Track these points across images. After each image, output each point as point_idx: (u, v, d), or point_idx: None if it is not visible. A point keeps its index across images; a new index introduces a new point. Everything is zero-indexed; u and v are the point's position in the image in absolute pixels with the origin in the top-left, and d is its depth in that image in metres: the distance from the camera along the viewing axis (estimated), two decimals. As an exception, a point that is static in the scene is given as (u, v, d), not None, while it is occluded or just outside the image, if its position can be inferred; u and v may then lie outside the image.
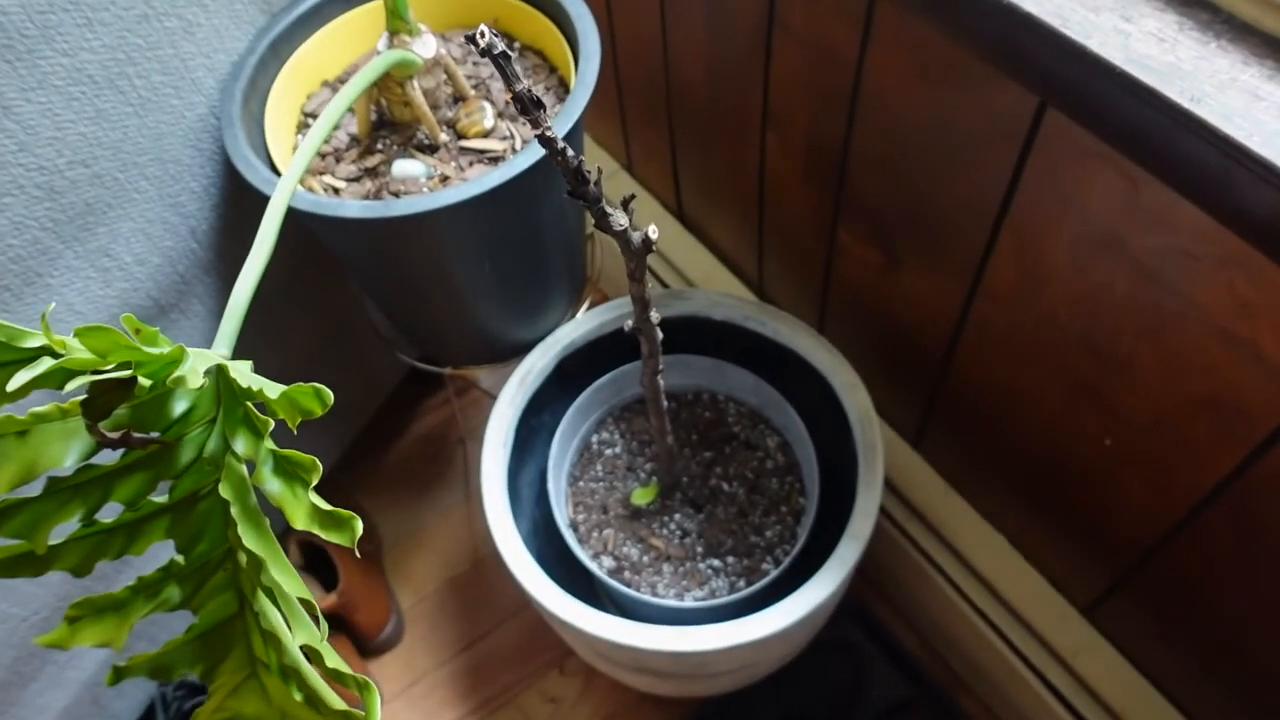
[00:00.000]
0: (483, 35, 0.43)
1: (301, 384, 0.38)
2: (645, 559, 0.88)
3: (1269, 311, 0.54)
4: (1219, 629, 0.73)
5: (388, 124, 0.78)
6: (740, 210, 1.02)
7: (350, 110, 0.79)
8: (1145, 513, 0.73)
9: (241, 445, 0.45)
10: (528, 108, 0.46)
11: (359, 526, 0.39)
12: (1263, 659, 0.71)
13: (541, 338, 0.90)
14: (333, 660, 0.44)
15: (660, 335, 0.65)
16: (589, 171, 0.49)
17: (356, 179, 0.75)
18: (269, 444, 0.43)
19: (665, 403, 0.75)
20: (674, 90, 0.99)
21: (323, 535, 0.40)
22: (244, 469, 0.46)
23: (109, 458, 0.49)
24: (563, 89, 0.79)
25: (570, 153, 0.48)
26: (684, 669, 0.79)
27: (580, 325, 0.90)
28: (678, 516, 0.90)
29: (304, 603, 0.42)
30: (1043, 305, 0.70)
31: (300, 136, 0.79)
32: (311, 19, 0.80)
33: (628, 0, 0.96)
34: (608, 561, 0.88)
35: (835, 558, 0.77)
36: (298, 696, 0.52)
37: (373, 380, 1.18)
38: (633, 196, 0.55)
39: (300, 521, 0.41)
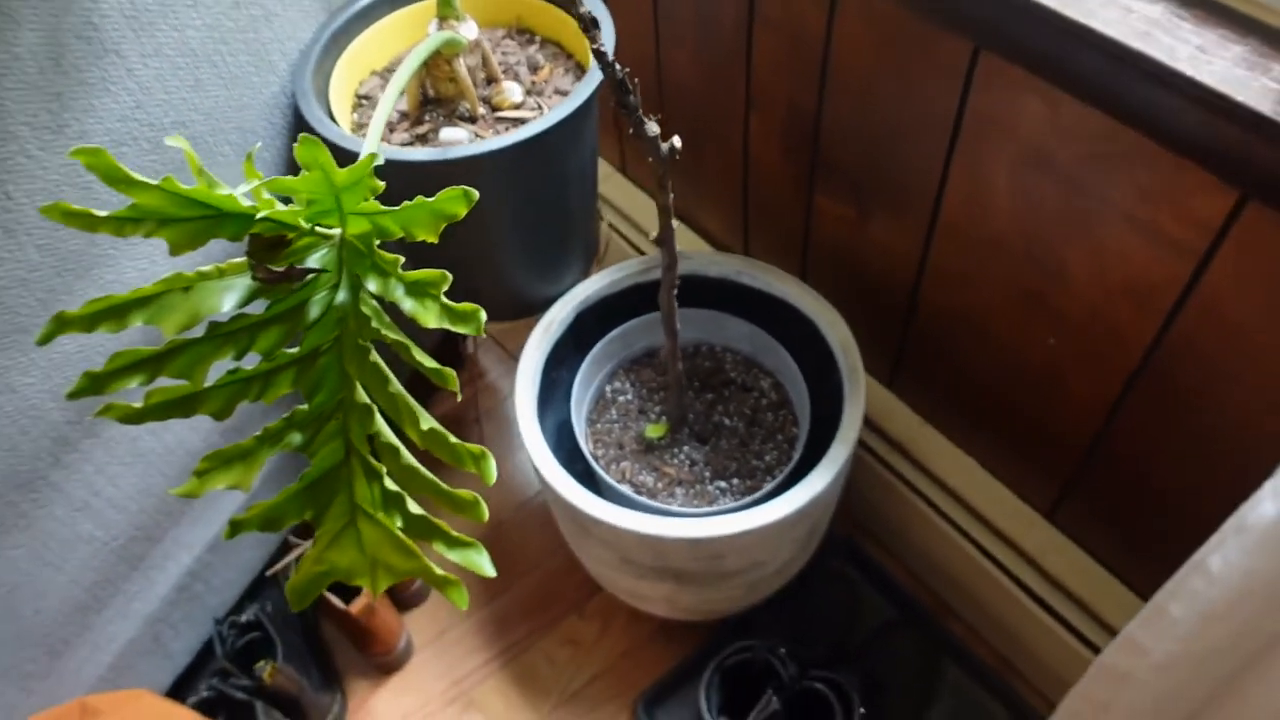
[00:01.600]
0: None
1: (446, 190, 0.51)
2: (659, 485, 0.99)
3: (1164, 193, 0.69)
4: (1160, 508, 0.86)
5: (432, 101, 0.92)
6: (728, 194, 1.16)
7: (401, 91, 0.93)
8: (1085, 404, 0.86)
9: (374, 285, 0.57)
10: (587, 27, 0.60)
11: (483, 316, 0.52)
12: (1204, 531, 0.84)
13: (559, 295, 1.03)
14: (453, 439, 0.56)
15: (678, 248, 0.78)
16: (631, 83, 0.63)
17: (409, 144, 0.88)
18: (399, 274, 0.55)
19: (678, 325, 0.88)
20: (666, 90, 1.14)
21: (451, 328, 0.52)
22: (374, 302, 0.58)
23: (254, 310, 0.60)
24: (580, 72, 0.94)
25: (618, 65, 0.62)
26: (701, 561, 0.90)
27: (594, 282, 1.03)
28: (686, 448, 1.02)
29: (436, 372, 0.54)
30: (990, 229, 0.85)
31: (356, 114, 0.93)
32: (364, 17, 0.94)
33: (623, 6, 1.12)
34: (626, 488, 0.99)
35: (829, 457, 0.89)
36: (397, 524, 0.62)
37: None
38: (660, 116, 0.68)
39: (432, 320, 0.53)
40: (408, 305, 0.55)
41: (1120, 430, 0.85)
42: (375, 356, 0.60)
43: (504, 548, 1.24)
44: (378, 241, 0.57)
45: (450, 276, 0.53)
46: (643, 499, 0.96)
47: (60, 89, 0.72)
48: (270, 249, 0.58)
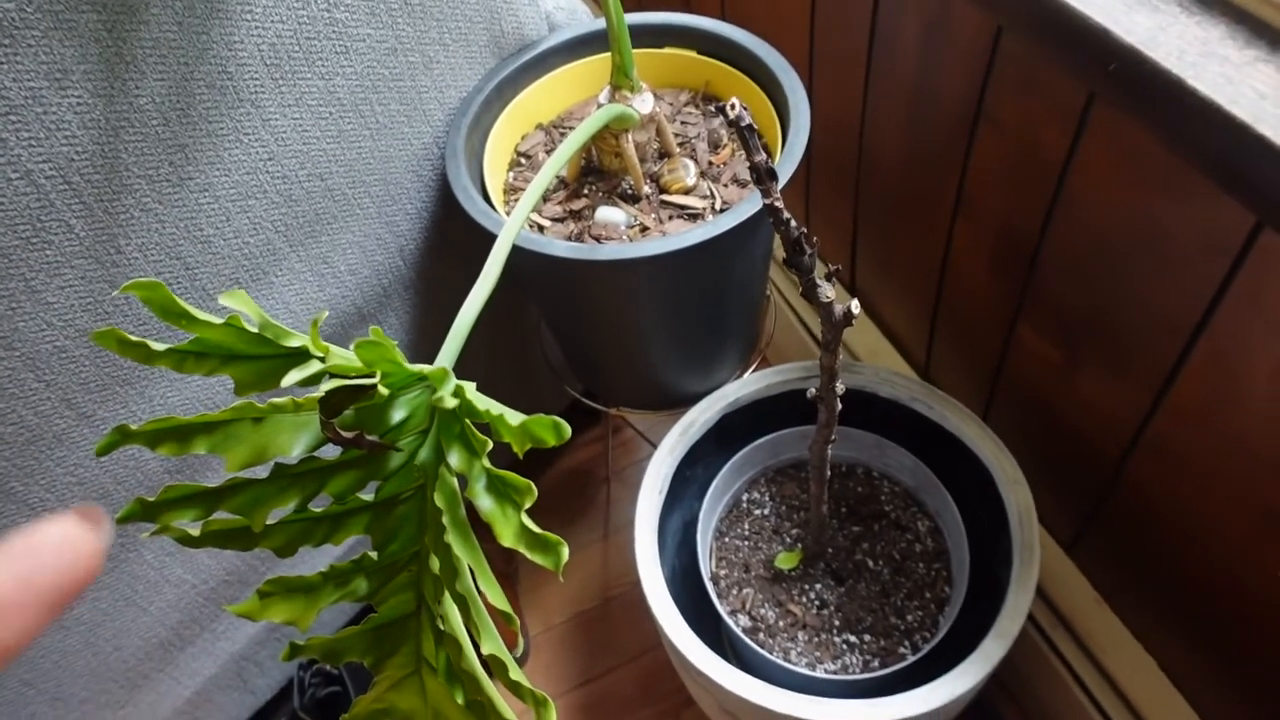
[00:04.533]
0: (733, 108, 0.46)
1: (541, 415, 0.41)
2: (781, 624, 0.88)
3: None
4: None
5: (595, 171, 0.82)
6: (916, 292, 1.02)
7: (556, 175, 0.84)
8: (1321, 658, 0.69)
9: (456, 459, 0.48)
10: (762, 177, 0.48)
11: (564, 553, 0.42)
12: None
13: (708, 392, 0.92)
14: (515, 674, 0.46)
15: (840, 407, 0.66)
16: (808, 243, 0.51)
17: (561, 219, 0.79)
18: (485, 462, 0.46)
19: (828, 472, 0.76)
20: (865, 169, 1.01)
21: (528, 555, 0.43)
22: (455, 482, 0.49)
23: (328, 452, 0.53)
24: (767, 159, 0.82)
25: (793, 223, 0.50)
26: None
27: (747, 384, 0.92)
28: (818, 586, 0.90)
29: (504, 615, 0.45)
30: (1233, 427, 0.69)
31: (511, 174, 0.84)
32: (536, 66, 0.85)
33: (831, 79, 0.99)
34: (743, 620, 0.88)
35: (980, 652, 0.76)
36: (459, 699, 0.55)
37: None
38: (838, 269, 0.56)
39: (508, 539, 0.44)
40: (485, 505, 0.45)
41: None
42: (455, 540, 0.51)
43: (608, 626, 1.15)
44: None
45: (536, 493, 0.43)
46: (756, 645, 0.85)
47: (186, 141, 0.65)
48: (356, 392, 0.49)
